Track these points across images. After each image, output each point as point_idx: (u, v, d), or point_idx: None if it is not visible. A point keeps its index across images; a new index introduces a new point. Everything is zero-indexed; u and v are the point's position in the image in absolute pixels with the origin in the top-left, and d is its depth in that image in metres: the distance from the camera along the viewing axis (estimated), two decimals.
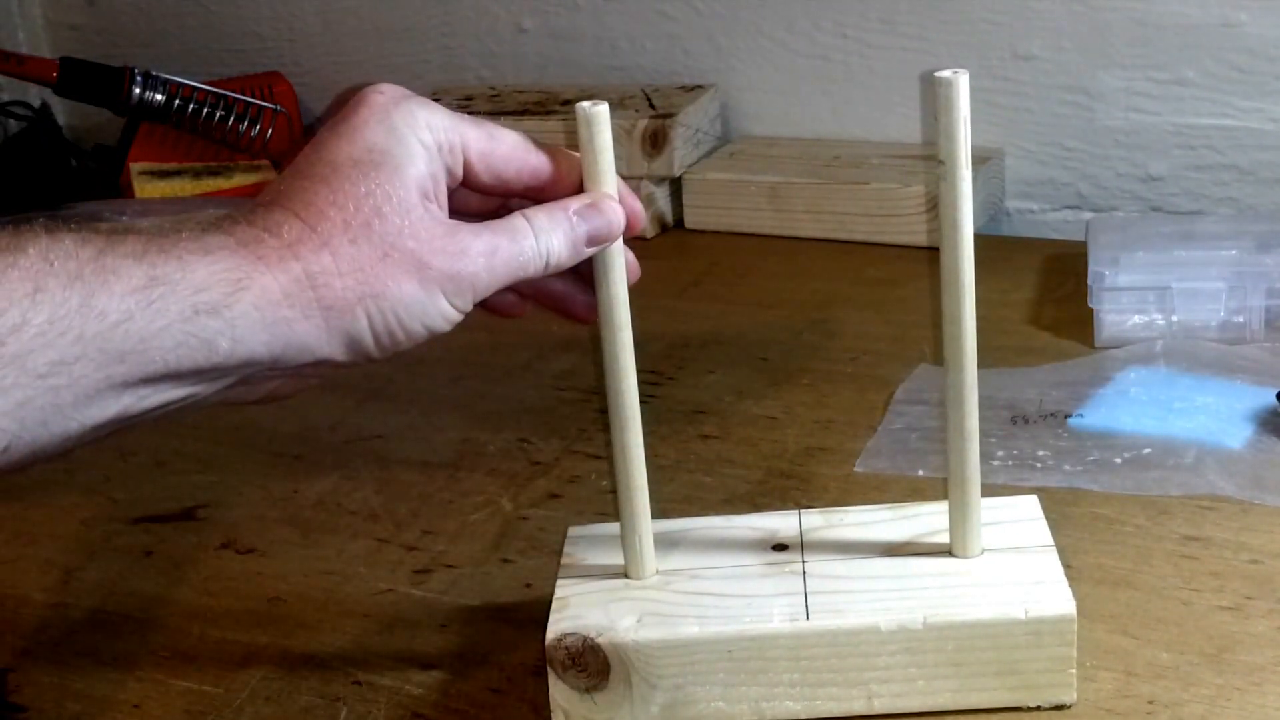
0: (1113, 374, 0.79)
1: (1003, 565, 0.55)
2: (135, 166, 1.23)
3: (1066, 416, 0.75)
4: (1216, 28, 0.99)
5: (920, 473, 0.72)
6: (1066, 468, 0.70)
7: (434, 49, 1.28)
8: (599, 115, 0.51)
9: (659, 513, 0.57)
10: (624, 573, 0.56)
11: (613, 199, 0.52)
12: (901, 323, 0.91)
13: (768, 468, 0.74)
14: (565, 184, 0.52)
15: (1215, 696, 0.54)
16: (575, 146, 0.53)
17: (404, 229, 0.47)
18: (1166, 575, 0.62)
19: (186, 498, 0.76)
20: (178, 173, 1.23)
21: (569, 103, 1.17)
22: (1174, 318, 0.83)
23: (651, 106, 1.11)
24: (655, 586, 0.55)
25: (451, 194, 0.51)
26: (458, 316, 0.49)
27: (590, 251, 0.52)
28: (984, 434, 0.74)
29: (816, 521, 0.59)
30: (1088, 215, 1.06)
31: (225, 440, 0.82)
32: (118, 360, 0.43)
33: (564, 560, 0.58)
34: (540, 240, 0.50)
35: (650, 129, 1.08)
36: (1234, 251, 0.86)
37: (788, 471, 0.74)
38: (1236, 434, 0.72)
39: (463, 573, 0.67)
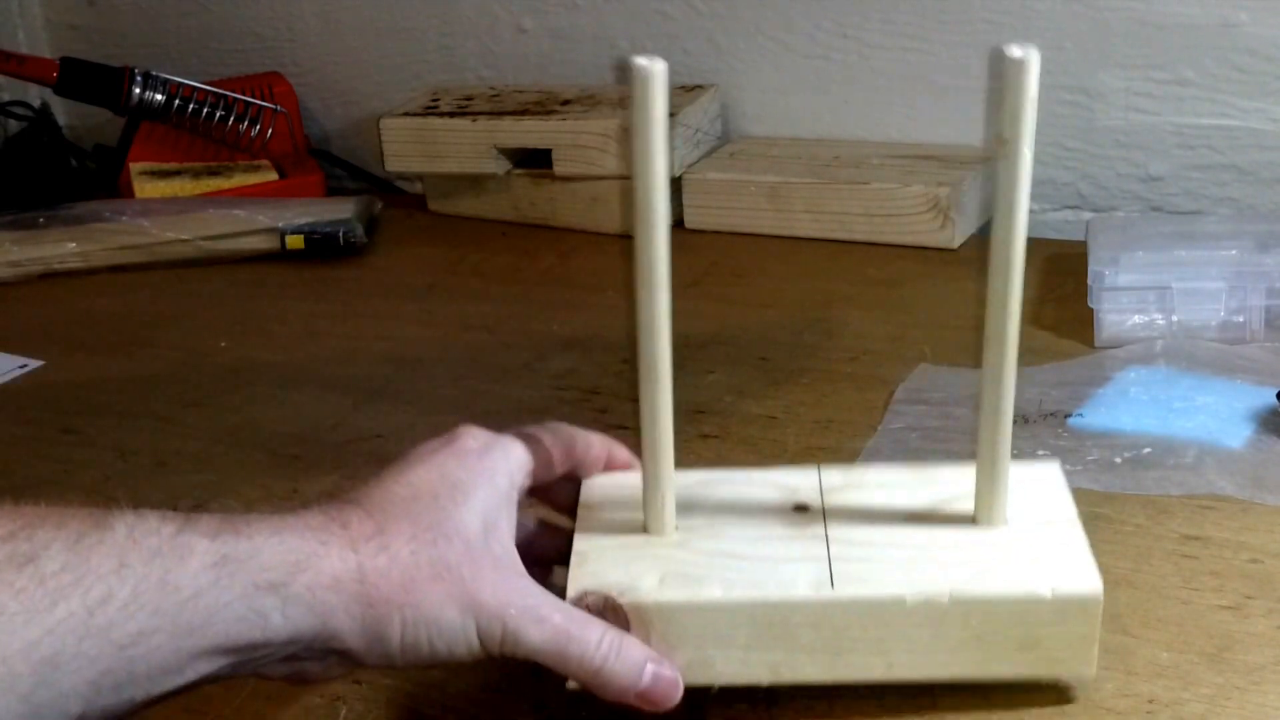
0: (1113, 374, 0.79)
1: (1028, 538, 0.54)
2: (135, 166, 1.23)
3: (1066, 416, 0.75)
4: (1216, 28, 0.99)
5: None
6: (1066, 467, 0.69)
7: (434, 49, 1.28)
8: (656, 74, 0.47)
9: None
10: (643, 527, 0.55)
11: (677, 680, 0.52)
12: (901, 322, 0.91)
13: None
14: (594, 466, 0.58)
15: (1215, 695, 0.54)
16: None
17: (464, 558, 0.49)
18: (1166, 574, 0.62)
19: (186, 497, 0.76)
20: (178, 173, 1.23)
21: (569, 102, 1.17)
22: (1174, 317, 0.83)
23: None
24: (676, 545, 0.54)
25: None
26: (480, 655, 0.50)
27: (632, 700, 0.52)
28: None
29: (837, 480, 0.57)
30: (1088, 215, 1.06)
31: (225, 440, 0.82)
32: (188, 633, 0.45)
33: (581, 511, 0.57)
34: (606, 661, 0.51)
35: None
36: (1234, 251, 0.86)
37: None
38: (1236, 433, 0.72)
39: None
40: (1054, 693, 0.54)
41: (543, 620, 0.50)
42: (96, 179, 1.29)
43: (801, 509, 0.56)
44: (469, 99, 1.20)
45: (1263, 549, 0.63)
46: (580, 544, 0.55)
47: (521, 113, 1.14)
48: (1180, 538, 0.64)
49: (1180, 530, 0.65)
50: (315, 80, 1.32)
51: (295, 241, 1.12)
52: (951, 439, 0.73)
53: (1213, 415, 0.73)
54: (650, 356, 0.53)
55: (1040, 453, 0.71)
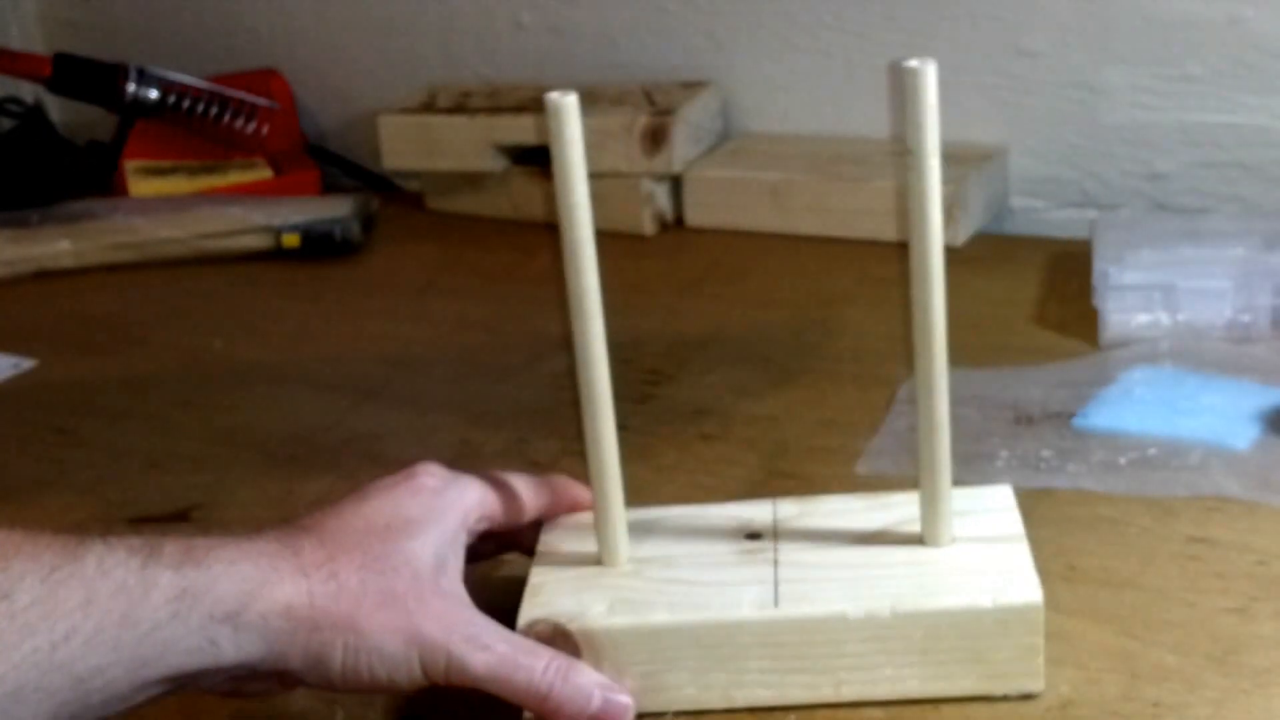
0: (1117, 373, 0.78)
1: (972, 555, 0.55)
2: (130, 164, 1.23)
3: (1071, 417, 0.74)
4: (1223, 23, 0.98)
5: None
6: (1071, 468, 0.70)
7: (432, 45, 1.27)
8: (568, 107, 0.51)
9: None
10: (598, 560, 0.56)
11: (629, 705, 0.53)
12: (904, 321, 0.90)
13: (768, 468, 0.73)
14: (561, 507, 0.59)
15: (1221, 699, 0.53)
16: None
17: (411, 589, 0.51)
18: (1172, 577, 0.61)
19: (181, 498, 0.75)
20: (173, 170, 1.23)
21: None
22: (1180, 316, 0.82)
23: (651, 103, 1.10)
24: (628, 574, 0.56)
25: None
26: (424, 684, 0.51)
27: None
28: (988, 434, 0.73)
29: (791, 511, 0.59)
30: (1093, 213, 1.05)
31: (220, 441, 0.81)
32: (142, 665, 0.46)
33: (540, 548, 0.58)
34: (553, 688, 0.51)
35: (650, 126, 1.07)
36: (1240, 250, 0.86)
37: (789, 472, 0.73)
38: (1243, 434, 0.71)
39: None
40: (1058, 697, 0.54)
41: (487, 648, 0.50)
42: (90, 176, 1.28)
43: (754, 536, 0.57)
44: (467, 95, 1.19)
45: (1269, 551, 0.62)
46: (535, 577, 0.56)
47: (520, 109, 1.14)
48: (1186, 539, 0.64)
49: (1186, 532, 0.64)
50: (311, 77, 1.32)
51: (291, 240, 1.11)
52: (954, 439, 0.73)
53: (1219, 415, 0.73)
54: (591, 389, 0.54)
55: (1044, 453, 0.71)
